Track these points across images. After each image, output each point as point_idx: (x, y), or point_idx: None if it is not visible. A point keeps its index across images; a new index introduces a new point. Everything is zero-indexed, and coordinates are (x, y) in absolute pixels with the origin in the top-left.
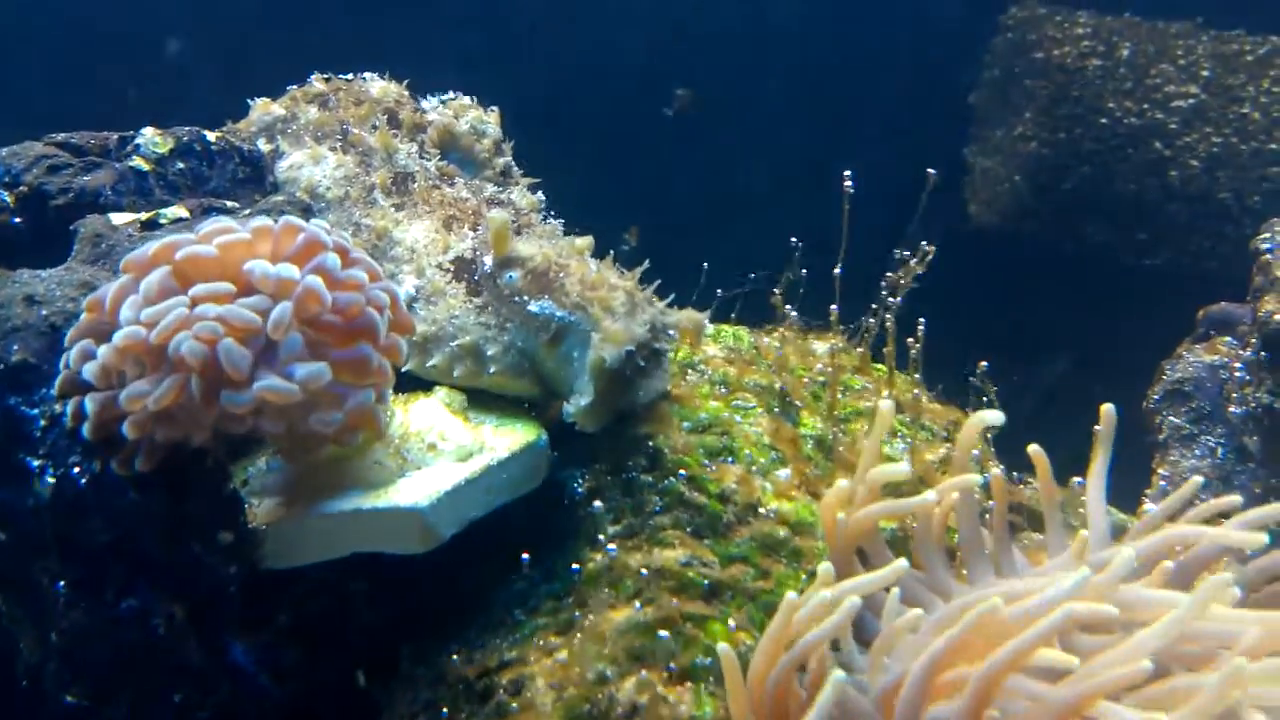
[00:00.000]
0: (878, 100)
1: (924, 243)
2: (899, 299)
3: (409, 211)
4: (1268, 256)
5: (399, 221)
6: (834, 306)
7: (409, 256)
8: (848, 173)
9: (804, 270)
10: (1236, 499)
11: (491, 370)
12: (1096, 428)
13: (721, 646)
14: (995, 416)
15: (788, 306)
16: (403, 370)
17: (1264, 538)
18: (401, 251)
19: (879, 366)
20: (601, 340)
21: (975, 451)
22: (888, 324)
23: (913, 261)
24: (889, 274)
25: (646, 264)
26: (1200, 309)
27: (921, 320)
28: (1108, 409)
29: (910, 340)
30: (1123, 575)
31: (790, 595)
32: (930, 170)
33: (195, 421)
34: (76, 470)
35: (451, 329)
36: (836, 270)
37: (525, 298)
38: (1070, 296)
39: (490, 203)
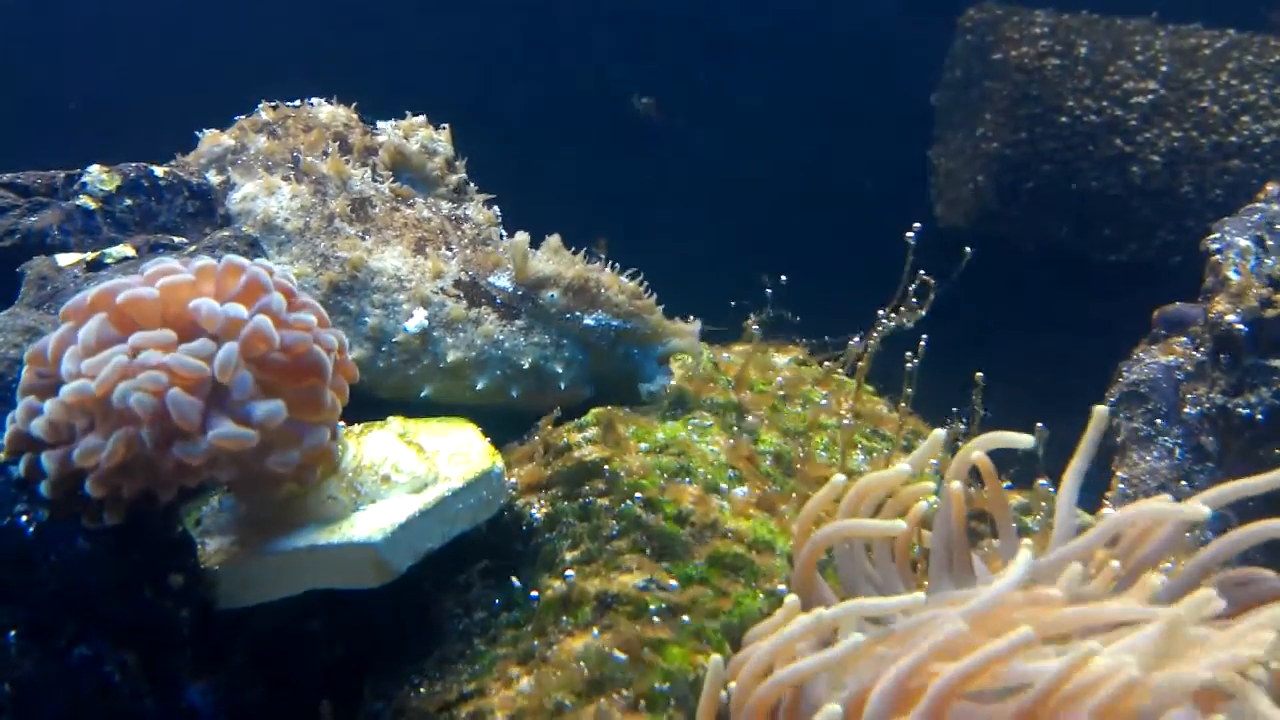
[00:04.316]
0: (841, 106)
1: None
2: (889, 326)
3: (376, 238)
4: (1217, 257)
5: (371, 250)
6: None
7: (398, 286)
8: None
9: (769, 290)
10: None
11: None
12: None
13: (714, 658)
14: (1022, 439)
15: (755, 327)
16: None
17: (1207, 510)
18: (387, 281)
19: (840, 377)
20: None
21: (935, 461)
22: (869, 346)
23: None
24: (881, 311)
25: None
26: (1155, 309)
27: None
28: (1100, 410)
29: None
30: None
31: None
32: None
33: (154, 473)
34: (24, 519)
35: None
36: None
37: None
38: (1037, 295)
39: (450, 220)
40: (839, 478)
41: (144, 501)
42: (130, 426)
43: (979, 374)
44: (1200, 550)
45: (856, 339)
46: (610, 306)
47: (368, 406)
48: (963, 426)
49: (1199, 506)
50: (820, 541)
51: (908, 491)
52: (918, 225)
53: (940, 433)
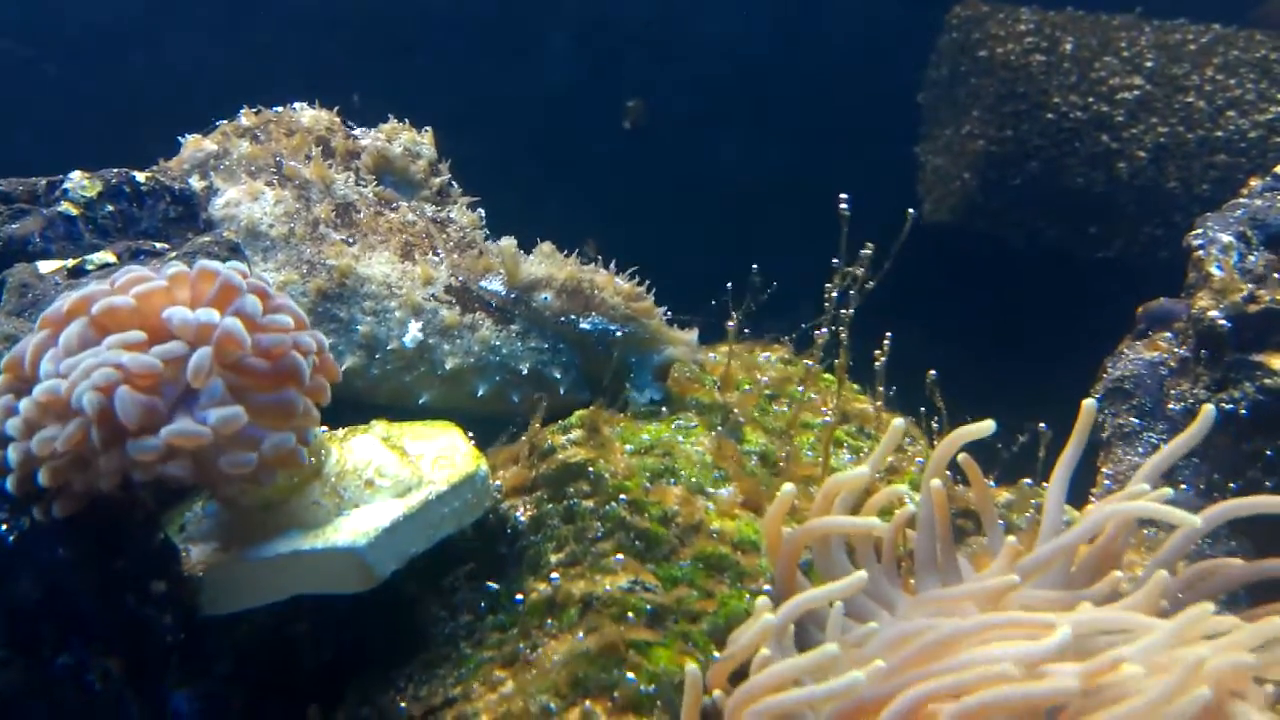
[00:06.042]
0: (827, 104)
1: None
2: (849, 310)
3: (362, 243)
4: (1200, 253)
5: (358, 256)
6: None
7: (389, 292)
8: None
9: (758, 283)
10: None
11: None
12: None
13: (689, 668)
14: (984, 428)
15: (744, 329)
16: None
17: (1198, 520)
18: (376, 288)
19: (826, 376)
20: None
21: (920, 460)
22: (841, 334)
23: (854, 266)
24: (828, 284)
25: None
26: (1139, 305)
27: (888, 335)
28: (1088, 404)
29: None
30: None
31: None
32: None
33: (103, 468)
34: (5, 528)
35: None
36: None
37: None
38: (1023, 291)
39: (434, 223)
40: (788, 487)
41: (124, 507)
42: (83, 418)
43: (932, 372)
44: (1169, 537)
45: (823, 330)
46: (606, 309)
47: (363, 412)
48: (935, 425)
49: (1192, 518)
50: (795, 543)
51: (888, 491)
52: (845, 195)
53: (899, 423)
